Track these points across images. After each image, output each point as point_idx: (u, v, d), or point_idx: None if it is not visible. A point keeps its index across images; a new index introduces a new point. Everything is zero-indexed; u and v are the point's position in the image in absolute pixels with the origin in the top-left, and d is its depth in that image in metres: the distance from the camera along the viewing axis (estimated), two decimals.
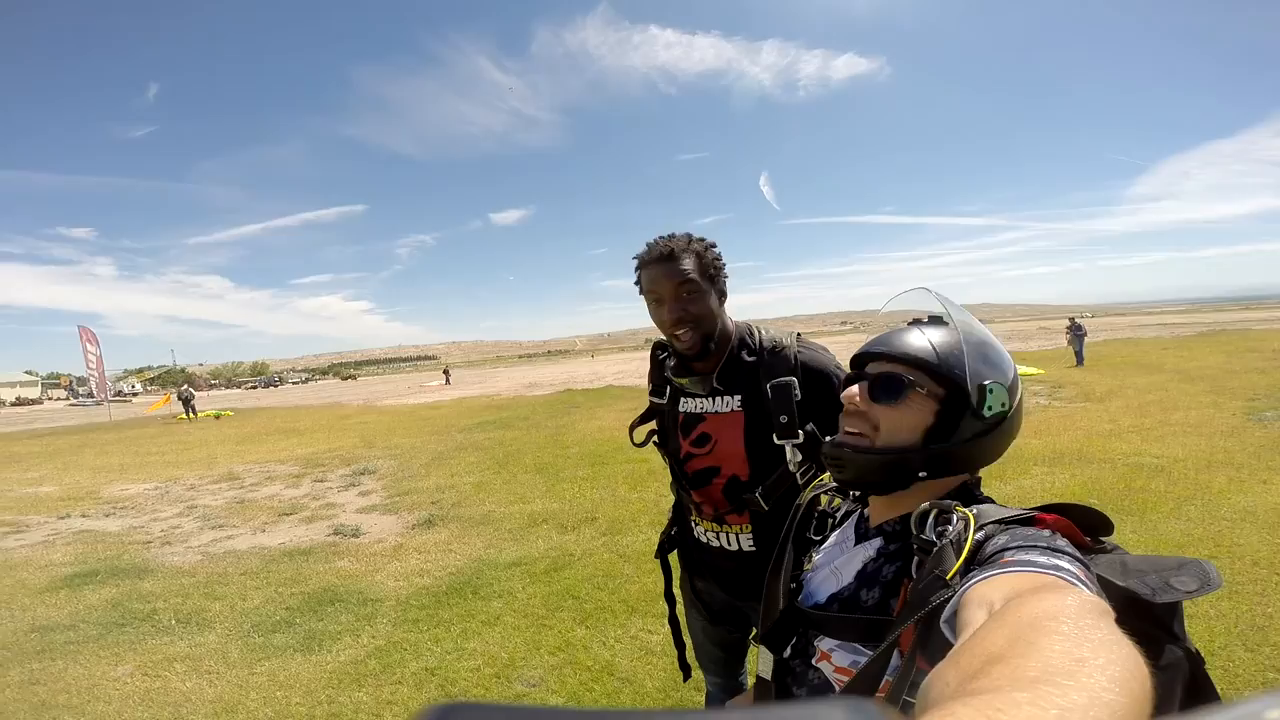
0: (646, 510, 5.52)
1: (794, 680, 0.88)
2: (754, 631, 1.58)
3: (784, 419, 1.37)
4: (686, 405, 1.54)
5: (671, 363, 1.55)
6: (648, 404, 1.69)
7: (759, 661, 0.95)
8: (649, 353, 1.68)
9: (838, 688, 0.80)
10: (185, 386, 26.61)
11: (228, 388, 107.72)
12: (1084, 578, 0.56)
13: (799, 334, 1.52)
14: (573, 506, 5.93)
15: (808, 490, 1.08)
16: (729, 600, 1.59)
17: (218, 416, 24.27)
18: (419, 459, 9.64)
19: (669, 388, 1.59)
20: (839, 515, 1.00)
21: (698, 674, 1.89)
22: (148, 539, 6.05)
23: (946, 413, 0.81)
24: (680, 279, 1.40)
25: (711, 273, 1.45)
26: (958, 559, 0.66)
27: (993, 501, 0.79)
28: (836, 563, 0.89)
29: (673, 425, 1.58)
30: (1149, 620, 0.62)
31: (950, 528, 0.71)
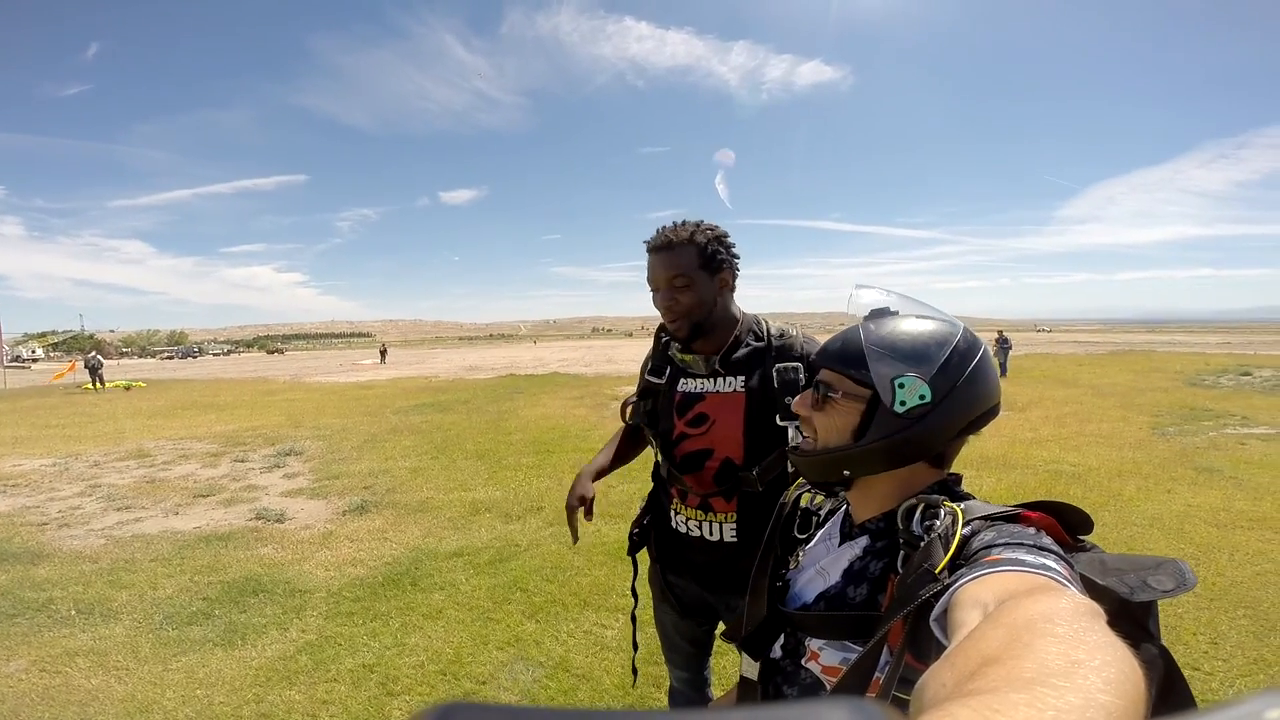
0: (596, 502, 5.41)
1: (784, 680, 0.88)
2: (721, 626, 1.57)
3: (789, 400, 1.39)
4: (686, 385, 1.56)
5: (677, 344, 1.58)
6: (641, 384, 1.68)
7: (743, 664, 0.95)
8: (653, 335, 1.70)
9: (828, 686, 0.80)
10: (93, 354, 24.64)
11: (141, 357, 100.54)
12: (1070, 577, 0.57)
13: (802, 327, 1.57)
14: (517, 495, 5.80)
15: (792, 488, 1.08)
16: (701, 594, 1.60)
17: (128, 387, 22.74)
18: (350, 441, 9.24)
19: (669, 369, 1.60)
20: (823, 514, 1.01)
21: (659, 670, 1.85)
22: (43, 520, 5.53)
23: (868, 412, 0.82)
24: (673, 271, 1.45)
25: (713, 264, 1.47)
26: (945, 553, 0.66)
27: (974, 498, 0.80)
28: (823, 562, 0.89)
29: (668, 405, 1.58)
30: (1126, 618, 0.62)
31: (938, 522, 0.71)
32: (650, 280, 1.50)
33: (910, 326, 0.83)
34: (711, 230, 1.48)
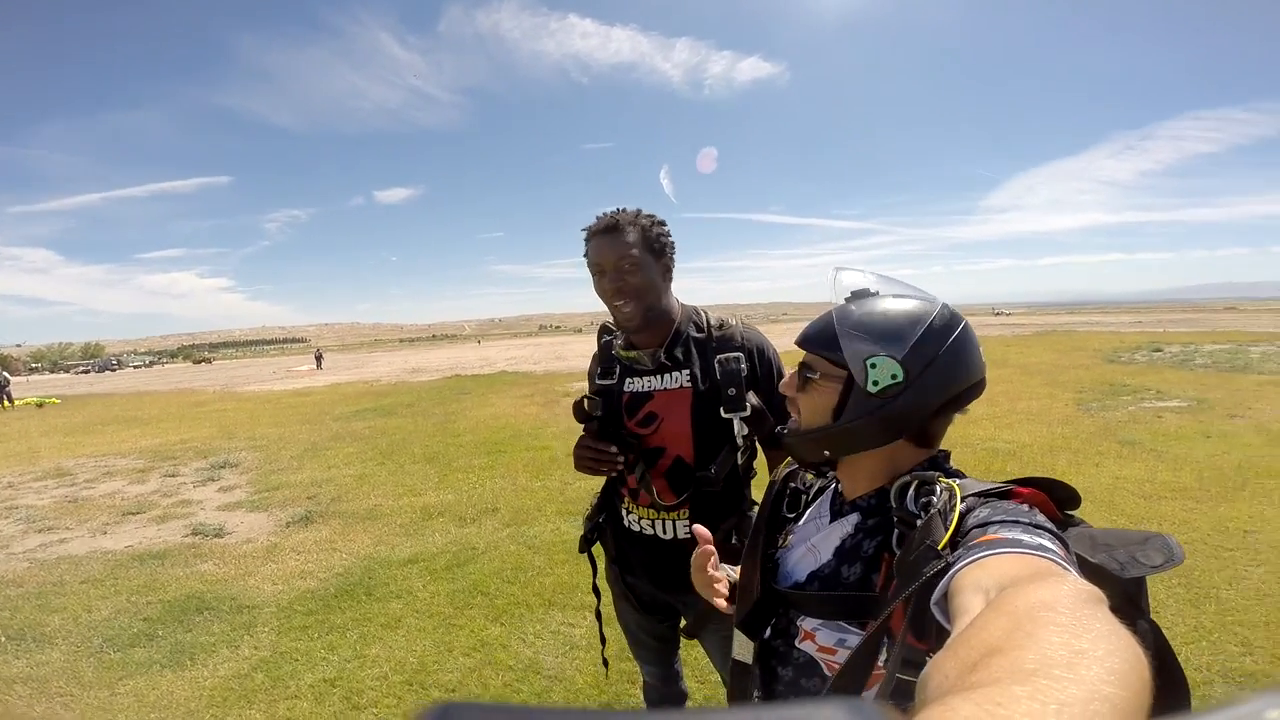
0: (552, 499, 5.39)
1: (778, 660, 0.87)
2: (683, 623, 1.58)
3: (732, 391, 1.42)
4: (633, 385, 1.54)
5: (619, 342, 1.56)
6: (586, 389, 1.65)
7: (735, 646, 0.92)
8: (597, 336, 1.66)
9: (824, 667, 0.80)
10: None
11: (53, 372, 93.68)
12: (1067, 558, 0.57)
13: (745, 318, 1.57)
14: (470, 497, 5.68)
15: (781, 467, 1.07)
16: (657, 592, 1.58)
17: (40, 404, 21.30)
18: (289, 450, 8.86)
19: (616, 370, 1.57)
20: (812, 491, 1.00)
21: (631, 666, 1.85)
22: None
23: (844, 392, 0.83)
24: (621, 251, 1.42)
25: (656, 247, 1.47)
26: (946, 530, 0.65)
27: (965, 475, 0.80)
28: (813, 540, 0.89)
29: (618, 407, 1.55)
30: (1117, 594, 0.62)
31: (934, 499, 0.72)
32: (595, 265, 1.46)
33: (885, 306, 0.83)
34: (651, 217, 1.48)
